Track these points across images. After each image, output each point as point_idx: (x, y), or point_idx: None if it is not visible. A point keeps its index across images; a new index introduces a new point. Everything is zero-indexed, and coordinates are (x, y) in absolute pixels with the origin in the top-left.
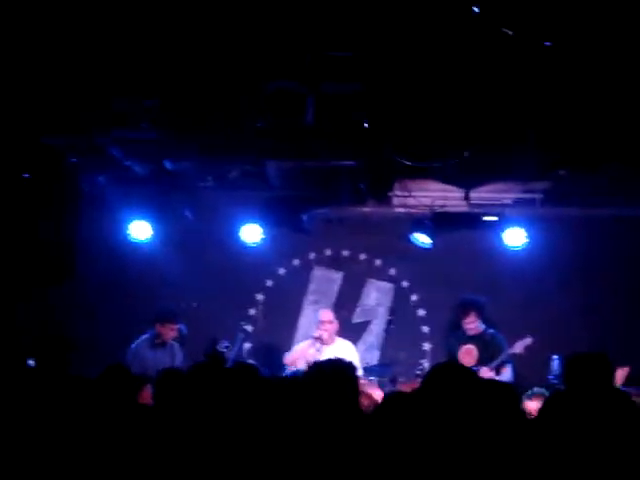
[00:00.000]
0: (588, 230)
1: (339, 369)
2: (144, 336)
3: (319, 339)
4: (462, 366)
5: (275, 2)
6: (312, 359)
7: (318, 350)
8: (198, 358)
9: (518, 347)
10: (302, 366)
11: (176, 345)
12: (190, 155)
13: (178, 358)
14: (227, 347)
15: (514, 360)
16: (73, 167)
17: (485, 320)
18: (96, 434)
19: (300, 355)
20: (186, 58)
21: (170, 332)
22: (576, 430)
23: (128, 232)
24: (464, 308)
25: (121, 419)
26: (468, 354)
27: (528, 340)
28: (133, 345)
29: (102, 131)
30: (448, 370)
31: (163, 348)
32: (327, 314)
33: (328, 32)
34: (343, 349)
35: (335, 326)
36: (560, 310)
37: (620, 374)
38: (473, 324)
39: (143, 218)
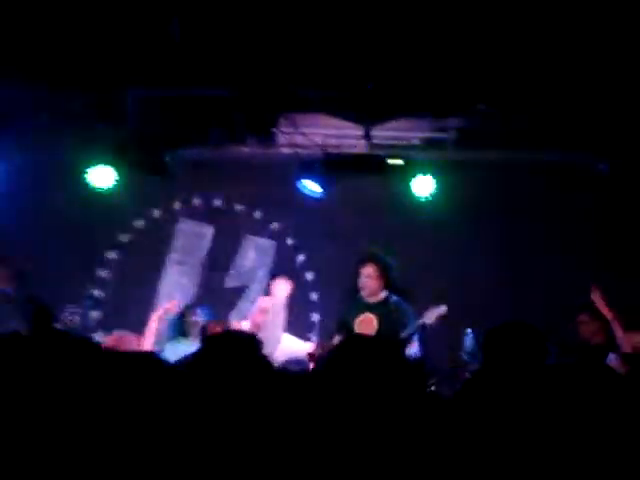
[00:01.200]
0: (506, 177)
1: None
2: None
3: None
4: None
5: None
6: None
7: None
8: None
9: (429, 317)
10: None
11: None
12: (23, 81)
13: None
14: (73, 314)
15: (424, 332)
16: None
17: (389, 287)
18: None
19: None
20: None
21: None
22: (494, 414)
23: None
24: (361, 259)
25: None
26: (367, 324)
27: (442, 309)
28: None
29: None
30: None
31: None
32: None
33: None
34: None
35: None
36: (475, 271)
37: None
38: (371, 282)
39: None
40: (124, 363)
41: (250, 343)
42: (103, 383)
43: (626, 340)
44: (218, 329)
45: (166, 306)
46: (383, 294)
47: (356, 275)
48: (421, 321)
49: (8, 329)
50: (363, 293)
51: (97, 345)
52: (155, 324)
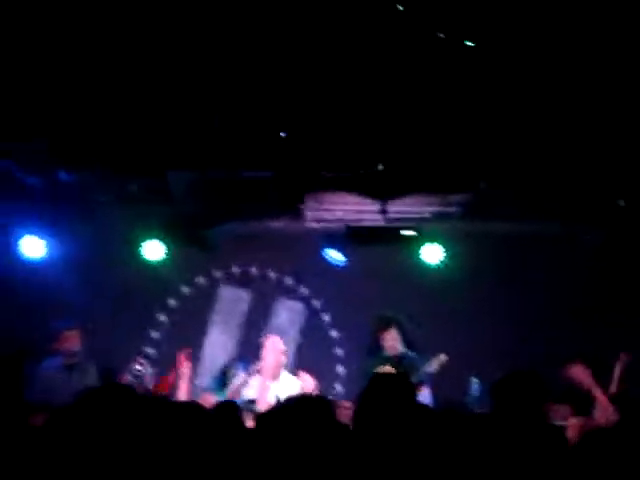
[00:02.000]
0: (509, 246)
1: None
2: (48, 360)
3: (257, 371)
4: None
5: None
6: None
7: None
8: None
9: (432, 365)
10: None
11: (89, 366)
12: (86, 166)
13: (90, 380)
14: (142, 364)
15: (431, 380)
16: None
17: (406, 343)
18: None
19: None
20: (84, 59)
21: (73, 339)
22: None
23: (19, 249)
24: (384, 323)
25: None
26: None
27: (442, 357)
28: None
29: None
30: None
31: (70, 372)
32: (275, 341)
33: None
34: (290, 386)
35: (283, 358)
36: (480, 329)
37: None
38: (393, 341)
39: (36, 234)
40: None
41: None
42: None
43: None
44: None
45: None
46: (401, 349)
47: (379, 335)
48: (426, 369)
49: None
50: (387, 352)
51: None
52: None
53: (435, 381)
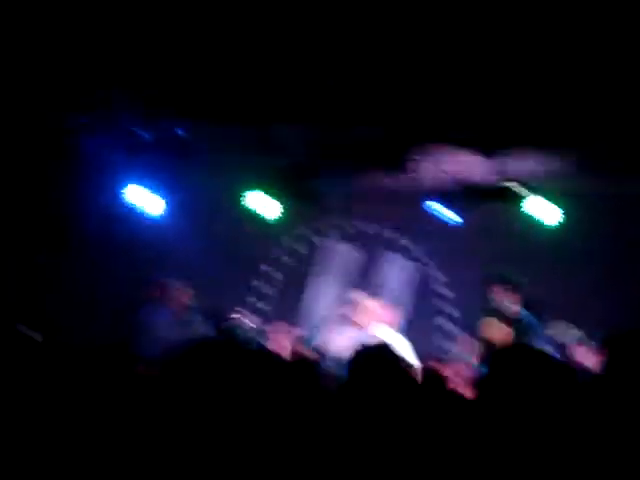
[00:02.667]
0: (628, 206)
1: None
2: (158, 313)
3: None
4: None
5: None
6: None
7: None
8: None
9: (579, 354)
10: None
11: (198, 318)
12: (199, 120)
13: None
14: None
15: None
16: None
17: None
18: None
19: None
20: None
21: (183, 297)
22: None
23: (127, 198)
24: (484, 283)
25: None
26: (498, 329)
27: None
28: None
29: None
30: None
31: (183, 325)
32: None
33: None
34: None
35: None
36: (596, 290)
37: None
38: (506, 298)
39: (152, 190)
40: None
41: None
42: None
43: None
44: None
45: None
46: (515, 309)
47: (491, 290)
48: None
49: (196, 335)
50: (501, 309)
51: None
52: None
53: None
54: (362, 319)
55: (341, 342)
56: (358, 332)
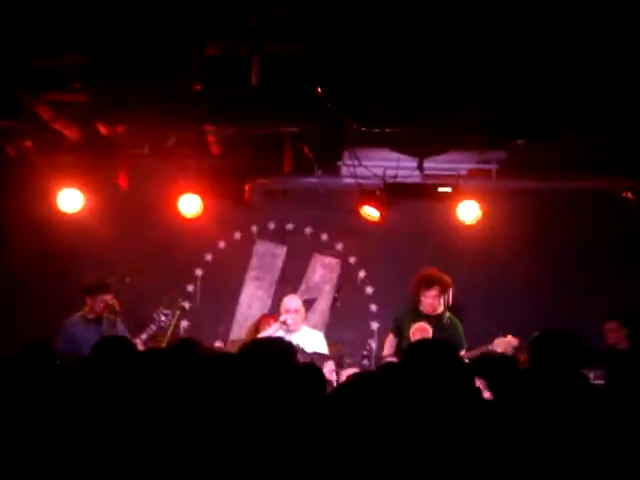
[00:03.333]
0: (544, 203)
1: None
2: (76, 314)
3: (284, 324)
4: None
5: None
6: None
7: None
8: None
9: (500, 346)
10: None
11: (118, 320)
12: (125, 119)
13: (120, 333)
14: (166, 315)
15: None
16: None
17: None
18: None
19: None
20: (122, 14)
21: (101, 304)
22: (536, 412)
23: (57, 202)
24: (428, 280)
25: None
26: (422, 332)
27: (513, 341)
28: (64, 323)
29: (29, 91)
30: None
31: (97, 324)
32: (294, 301)
33: None
34: (311, 338)
35: (302, 314)
36: (515, 288)
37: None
38: (433, 299)
39: (73, 187)
40: None
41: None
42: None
43: None
44: (271, 321)
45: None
46: (441, 308)
47: (420, 292)
48: (491, 347)
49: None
50: (424, 309)
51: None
52: None
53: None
54: (297, 325)
55: None
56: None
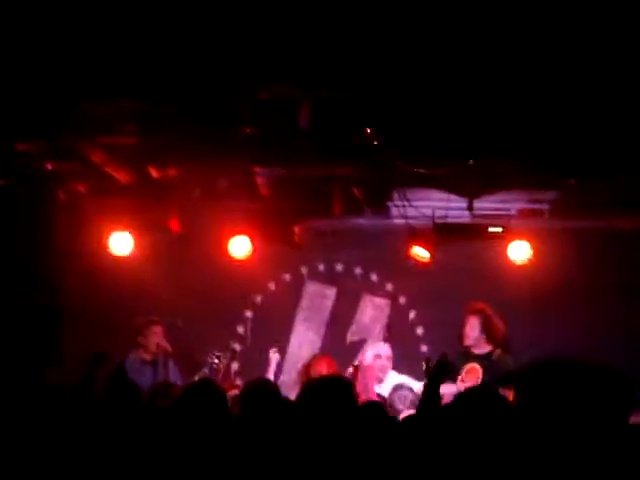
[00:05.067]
0: (597, 244)
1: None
2: (130, 356)
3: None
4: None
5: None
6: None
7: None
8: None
9: None
10: None
11: (170, 363)
12: (176, 163)
13: (172, 376)
14: (218, 357)
15: None
16: (50, 175)
17: (493, 341)
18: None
19: None
20: (173, 58)
21: (154, 336)
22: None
23: (108, 245)
24: (466, 311)
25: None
26: (471, 373)
27: None
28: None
29: (81, 135)
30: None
31: (153, 367)
32: (385, 349)
33: (324, 35)
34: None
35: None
36: (566, 328)
37: None
38: (471, 331)
39: (124, 230)
40: None
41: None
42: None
43: None
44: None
45: None
46: (488, 348)
47: (462, 325)
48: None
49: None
50: (466, 342)
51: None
52: None
53: None
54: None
55: None
56: None
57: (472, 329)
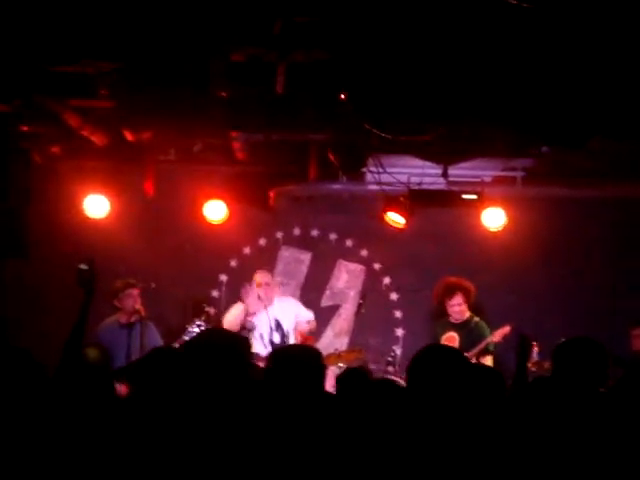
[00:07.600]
0: (570, 211)
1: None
2: (108, 320)
3: (259, 299)
4: (450, 348)
5: None
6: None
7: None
8: None
9: (497, 336)
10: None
11: (150, 325)
12: (152, 125)
13: (152, 339)
14: (199, 327)
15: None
16: (25, 136)
17: (471, 307)
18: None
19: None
20: (148, 21)
21: (130, 299)
22: (559, 419)
23: (83, 207)
24: (450, 289)
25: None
26: (450, 342)
27: (506, 329)
28: (98, 329)
29: (56, 97)
30: (437, 352)
31: (130, 329)
32: (264, 276)
33: None
34: (286, 306)
35: (273, 288)
36: (540, 295)
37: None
38: (458, 307)
39: (99, 192)
40: None
41: None
42: None
43: None
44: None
45: None
46: (467, 314)
47: (444, 301)
48: (489, 339)
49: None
50: (452, 319)
51: None
52: None
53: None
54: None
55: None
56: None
57: (460, 306)
